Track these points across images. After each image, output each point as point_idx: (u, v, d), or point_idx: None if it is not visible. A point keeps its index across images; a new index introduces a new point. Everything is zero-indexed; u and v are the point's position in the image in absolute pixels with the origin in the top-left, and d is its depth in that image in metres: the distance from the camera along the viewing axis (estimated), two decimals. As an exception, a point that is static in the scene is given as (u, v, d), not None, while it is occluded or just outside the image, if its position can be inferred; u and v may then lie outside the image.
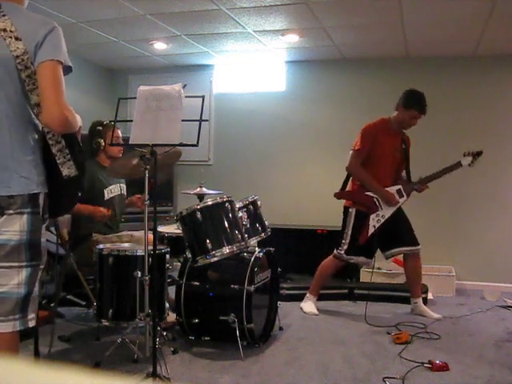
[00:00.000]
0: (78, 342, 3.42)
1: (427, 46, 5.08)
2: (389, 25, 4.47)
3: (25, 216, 1.86)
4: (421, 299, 4.25)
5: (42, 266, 1.96)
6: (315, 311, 4.21)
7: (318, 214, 5.68)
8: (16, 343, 1.94)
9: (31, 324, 1.92)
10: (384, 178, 4.06)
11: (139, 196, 3.98)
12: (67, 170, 1.95)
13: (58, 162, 1.94)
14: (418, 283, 4.25)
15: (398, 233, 4.12)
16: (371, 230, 4.01)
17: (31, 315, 1.92)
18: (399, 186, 4.07)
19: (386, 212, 4.03)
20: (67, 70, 1.91)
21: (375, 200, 4.03)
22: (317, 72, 5.82)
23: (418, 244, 4.13)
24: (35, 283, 1.92)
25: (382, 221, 4.02)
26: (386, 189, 4.03)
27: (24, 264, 1.87)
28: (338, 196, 4.16)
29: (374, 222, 4.03)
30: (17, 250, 1.85)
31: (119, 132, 3.78)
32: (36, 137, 1.93)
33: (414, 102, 3.98)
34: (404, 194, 4.06)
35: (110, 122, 3.67)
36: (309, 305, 4.27)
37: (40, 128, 1.96)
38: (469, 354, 3.30)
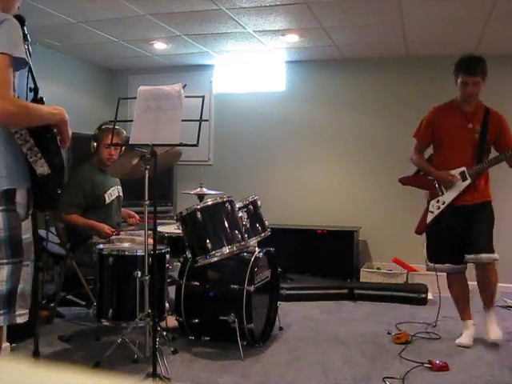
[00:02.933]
0: (78, 342, 3.42)
1: (427, 45, 5.08)
2: (389, 25, 4.47)
3: None
4: (490, 310, 3.53)
5: (27, 262, 1.92)
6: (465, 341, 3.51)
7: (318, 214, 5.68)
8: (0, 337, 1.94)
9: (20, 320, 1.90)
10: (454, 161, 3.54)
11: (133, 215, 4.10)
12: (40, 168, 1.93)
13: (30, 160, 1.91)
14: (487, 294, 3.52)
15: (470, 236, 3.51)
16: (430, 218, 3.59)
17: (20, 311, 1.89)
18: (463, 169, 3.51)
19: (447, 197, 3.55)
20: (20, 62, 1.83)
21: (436, 184, 3.61)
22: (317, 72, 5.82)
23: (485, 251, 3.44)
24: (19, 279, 1.89)
25: (443, 207, 3.55)
26: (451, 171, 3.53)
27: (5, 261, 1.84)
28: (402, 181, 3.81)
29: (434, 208, 3.59)
30: None
31: (116, 138, 3.50)
32: (8, 133, 1.89)
33: (456, 68, 3.50)
34: (468, 177, 3.50)
35: (110, 121, 3.64)
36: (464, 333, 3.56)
37: None
38: (469, 354, 3.30)
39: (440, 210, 3.57)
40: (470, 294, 3.64)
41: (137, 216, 4.09)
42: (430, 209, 3.60)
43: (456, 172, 3.53)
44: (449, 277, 3.63)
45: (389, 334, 3.64)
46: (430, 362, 3.04)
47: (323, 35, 4.79)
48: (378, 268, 5.30)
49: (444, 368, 2.99)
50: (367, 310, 4.39)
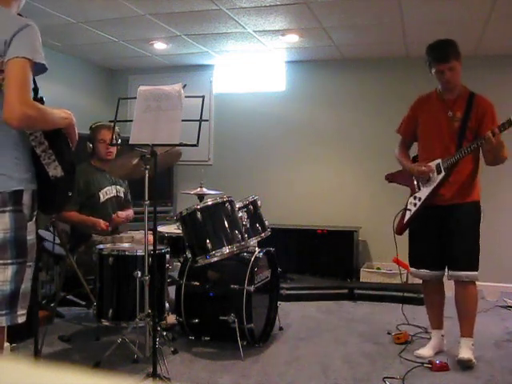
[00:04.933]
0: (78, 342, 3.42)
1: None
2: (389, 25, 4.47)
3: (7, 214, 1.83)
4: (463, 340, 3.15)
5: (30, 263, 1.93)
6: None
7: (317, 214, 5.68)
8: (1, 338, 1.94)
9: (20, 320, 1.91)
10: (434, 153, 3.22)
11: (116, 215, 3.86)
12: (53, 170, 1.94)
13: (44, 162, 1.92)
14: (464, 319, 3.18)
15: (450, 247, 3.17)
16: (407, 216, 3.31)
17: (21, 311, 1.91)
18: (438, 161, 3.18)
19: (423, 193, 3.24)
20: (41, 67, 1.87)
21: (414, 179, 3.32)
22: (317, 72, 5.82)
23: (464, 269, 3.11)
24: (22, 280, 1.90)
25: (419, 204, 3.25)
26: (428, 164, 3.22)
27: (9, 261, 1.85)
28: (387, 178, 3.56)
29: (411, 205, 3.31)
30: (1, 248, 1.84)
31: (109, 133, 3.51)
32: (19, 134, 1.90)
33: (428, 58, 3.20)
34: (442, 170, 3.16)
35: (110, 121, 3.63)
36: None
37: None
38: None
39: (416, 207, 3.27)
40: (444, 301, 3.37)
41: (121, 213, 3.88)
42: (408, 206, 3.32)
43: (432, 164, 3.21)
44: (424, 283, 3.37)
45: (389, 334, 3.64)
46: (430, 362, 3.04)
47: (323, 35, 4.79)
48: (378, 268, 5.31)
49: (444, 368, 2.99)
50: (367, 309, 4.39)
